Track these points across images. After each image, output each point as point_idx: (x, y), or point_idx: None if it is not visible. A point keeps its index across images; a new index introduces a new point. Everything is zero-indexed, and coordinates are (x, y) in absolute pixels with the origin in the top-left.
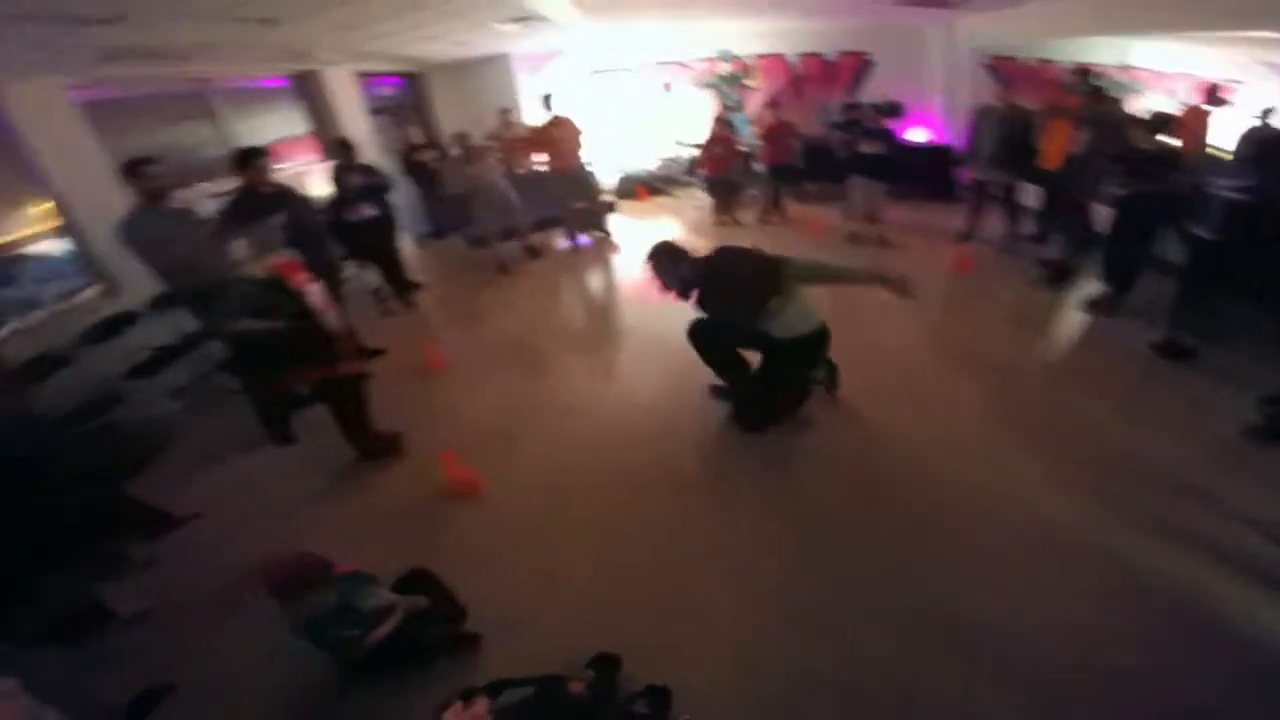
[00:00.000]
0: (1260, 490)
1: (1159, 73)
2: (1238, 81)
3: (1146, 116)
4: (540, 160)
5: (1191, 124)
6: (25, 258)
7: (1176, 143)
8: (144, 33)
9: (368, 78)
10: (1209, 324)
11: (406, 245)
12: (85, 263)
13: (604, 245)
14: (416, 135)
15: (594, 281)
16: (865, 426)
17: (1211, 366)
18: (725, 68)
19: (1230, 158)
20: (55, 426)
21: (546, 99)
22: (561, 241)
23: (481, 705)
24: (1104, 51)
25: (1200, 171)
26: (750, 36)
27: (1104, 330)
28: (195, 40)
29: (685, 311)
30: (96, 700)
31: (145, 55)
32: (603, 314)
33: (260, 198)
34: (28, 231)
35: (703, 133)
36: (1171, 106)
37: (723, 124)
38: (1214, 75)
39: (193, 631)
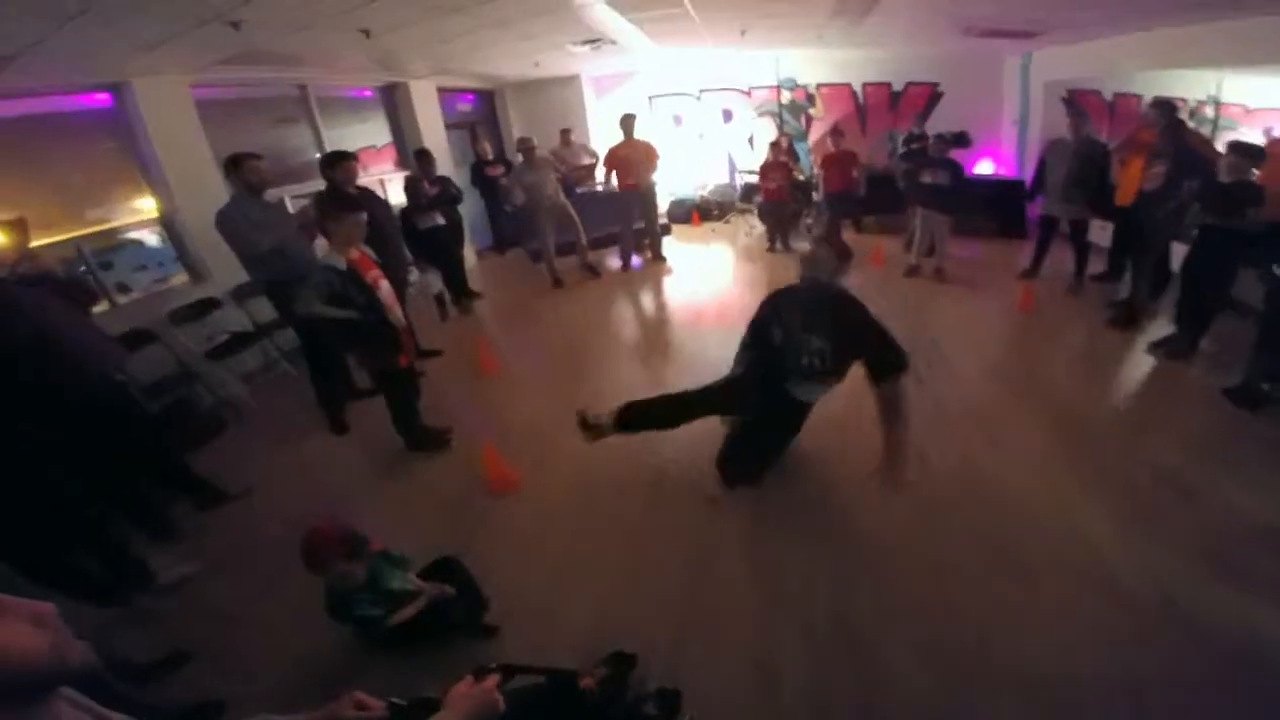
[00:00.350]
0: None
1: (1250, 110)
2: None
3: (1233, 147)
4: (606, 179)
5: (1277, 158)
6: (126, 243)
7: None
8: (262, 36)
9: (447, 93)
10: None
11: (469, 256)
12: (180, 251)
13: (657, 267)
14: (486, 150)
15: (644, 300)
16: (919, 455)
17: None
18: (788, 96)
19: None
20: (137, 394)
21: (627, 119)
22: (617, 260)
23: (491, 680)
24: (1191, 86)
25: None
26: (815, 65)
27: (1174, 375)
28: (303, 46)
29: (727, 336)
30: (119, 657)
31: (259, 59)
32: (649, 332)
33: (345, 198)
34: (131, 220)
35: (760, 159)
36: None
37: (780, 151)
38: None
39: (228, 600)
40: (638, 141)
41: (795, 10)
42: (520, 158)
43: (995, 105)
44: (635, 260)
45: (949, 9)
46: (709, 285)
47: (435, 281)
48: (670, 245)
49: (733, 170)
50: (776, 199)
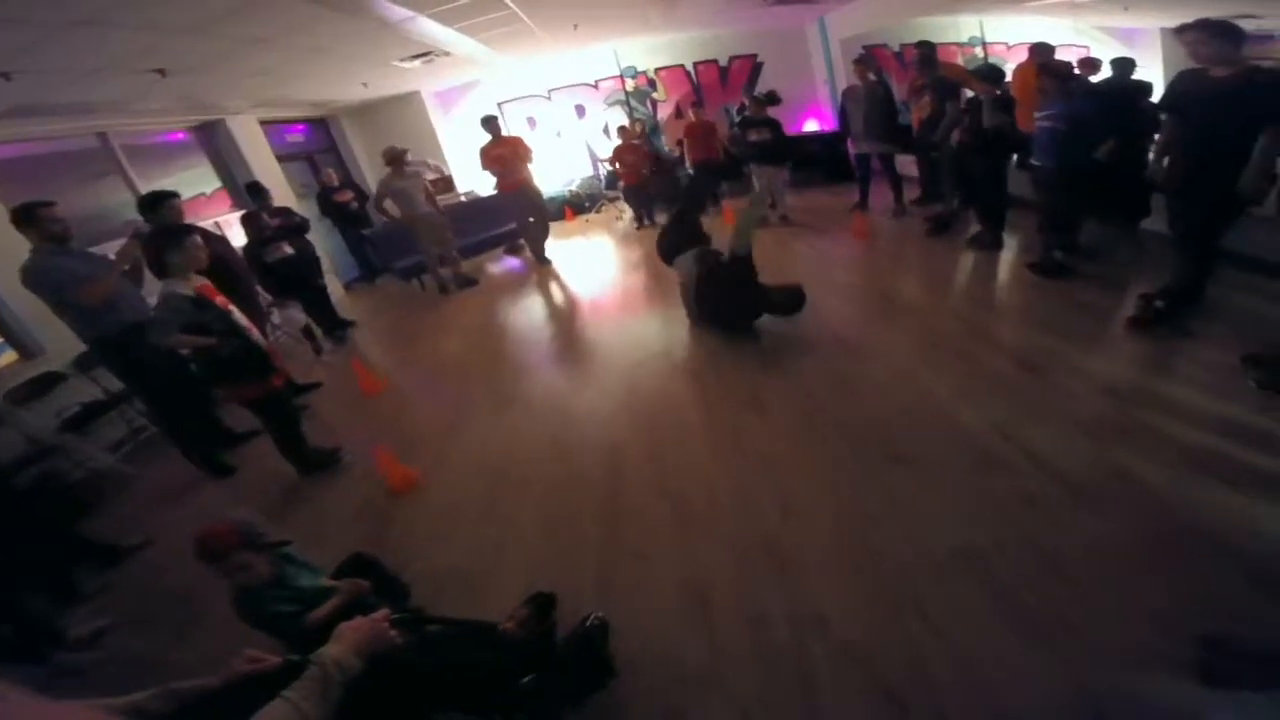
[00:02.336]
0: (1142, 368)
1: (1011, 46)
2: (1082, 46)
3: (973, 73)
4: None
5: (1021, 78)
6: None
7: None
8: (40, 87)
9: (273, 125)
10: (1072, 242)
11: (335, 288)
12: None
13: (539, 267)
14: (332, 177)
15: (533, 298)
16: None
17: (1086, 277)
18: (631, 83)
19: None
20: None
21: (488, 120)
22: (495, 266)
23: (382, 613)
24: (960, 30)
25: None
26: (651, 51)
27: (990, 262)
28: (92, 93)
29: (622, 331)
30: None
31: (43, 110)
32: (545, 327)
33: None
34: None
35: (613, 146)
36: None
37: (630, 135)
38: (1059, 43)
39: (144, 649)
40: (507, 138)
41: None
42: (389, 169)
43: (807, 68)
44: (516, 262)
45: None
46: (594, 273)
47: (299, 315)
48: (549, 244)
49: (595, 162)
50: (636, 181)
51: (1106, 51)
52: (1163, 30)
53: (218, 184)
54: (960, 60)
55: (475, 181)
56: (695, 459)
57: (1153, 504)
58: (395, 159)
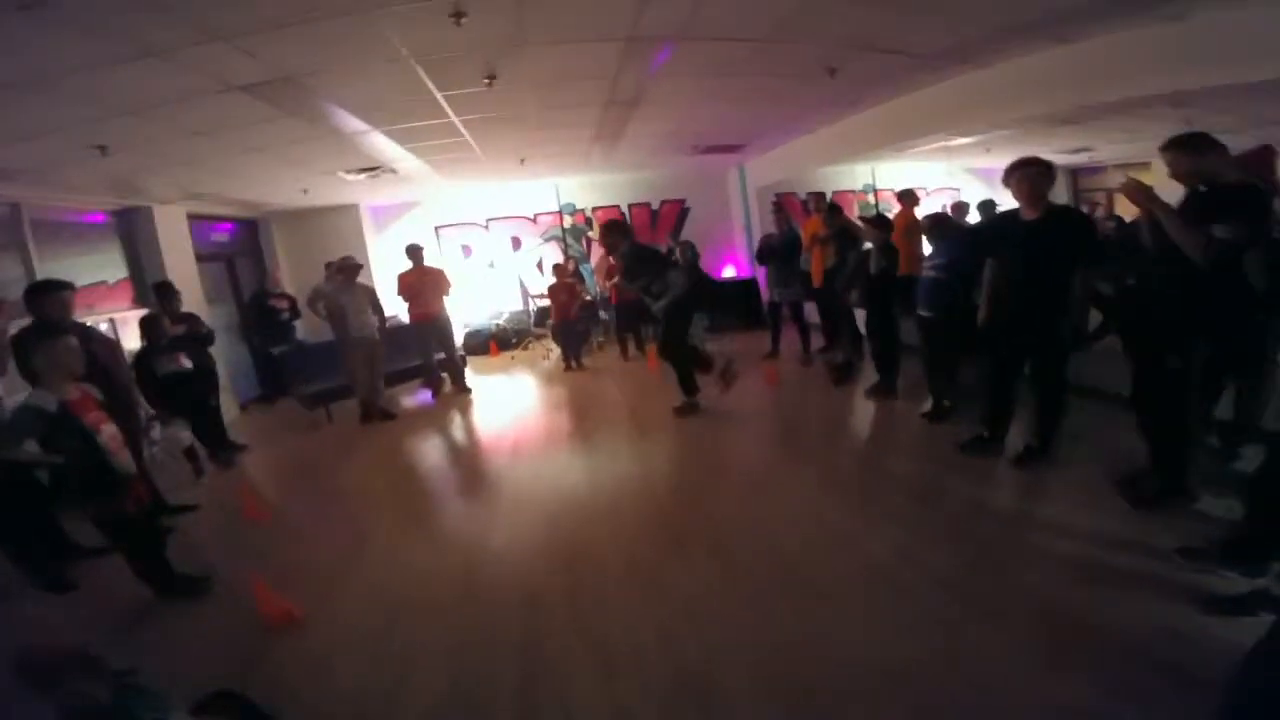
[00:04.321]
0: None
1: (897, 191)
2: (954, 188)
3: (863, 219)
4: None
5: (902, 225)
6: None
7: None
8: None
9: (199, 220)
10: (952, 386)
11: (229, 407)
12: None
13: (460, 398)
14: (278, 281)
15: (448, 434)
16: (707, 514)
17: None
18: (569, 220)
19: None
20: None
21: (414, 248)
22: (419, 395)
23: None
24: (855, 178)
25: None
26: (589, 190)
27: (886, 410)
28: (18, 161)
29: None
30: None
31: None
32: (456, 465)
33: (51, 326)
34: None
35: (547, 283)
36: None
37: (565, 273)
38: (933, 184)
39: None
40: (428, 268)
41: (563, 137)
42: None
43: (727, 214)
44: (427, 395)
45: (673, 129)
46: (514, 411)
47: (184, 434)
48: (470, 378)
49: (526, 296)
50: (566, 319)
51: (974, 191)
52: None
53: (123, 274)
54: (855, 206)
55: (400, 307)
56: (616, 602)
57: (1050, 611)
58: (348, 270)
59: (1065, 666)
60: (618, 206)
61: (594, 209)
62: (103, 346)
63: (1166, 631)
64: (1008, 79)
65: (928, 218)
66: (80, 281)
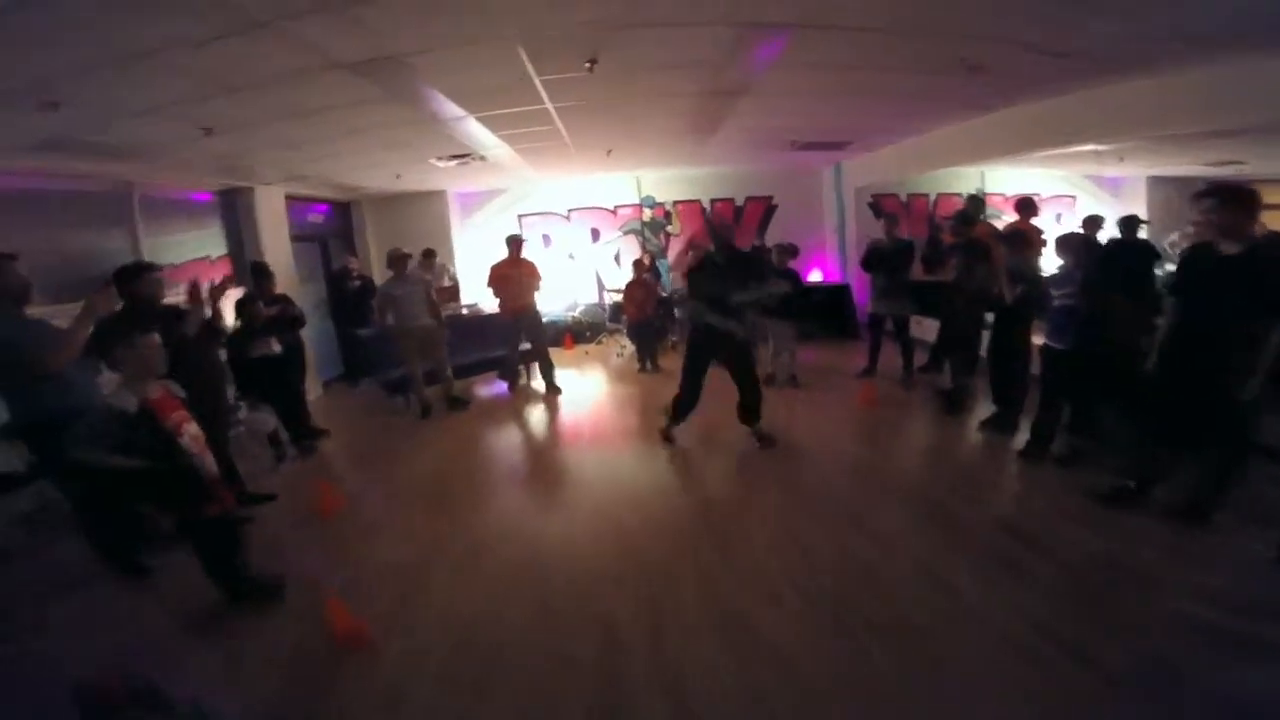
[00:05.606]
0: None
1: (1008, 197)
2: (1070, 196)
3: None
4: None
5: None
6: None
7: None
8: (82, 123)
9: (296, 201)
10: (1088, 429)
11: (313, 388)
12: None
13: (548, 397)
14: (355, 265)
15: (519, 430)
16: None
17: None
18: (648, 213)
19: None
20: None
21: (514, 240)
22: (488, 389)
23: None
24: (964, 182)
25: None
26: (671, 184)
27: (1004, 448)
28: (132, 140)
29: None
30: None
31: (76, 149)
32: (526, 462)
33: (146, 319)
34: None
35: (625, 279)
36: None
37: (643, 269)
38: (1048, 192)
39: None
40: (523, 261)
41: (657, 127)
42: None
43: (818, 214)
44: (503, 387)
45: (774, 124)
46: (586, 411)
47: (268, 419)
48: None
49: (601, 290)
50: (641, 318)
51: (1092, 202)
52: (1149, 178)
53: (224, 250)
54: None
55: (482, 295)
56: (698, 646)
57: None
58: (398, 262)
59: None
60: (699, 201)
61: (674, 203)
62: (197, 336)
63: None
64: (1176, 89)
65: (1066, 237)
66: (182, 257)
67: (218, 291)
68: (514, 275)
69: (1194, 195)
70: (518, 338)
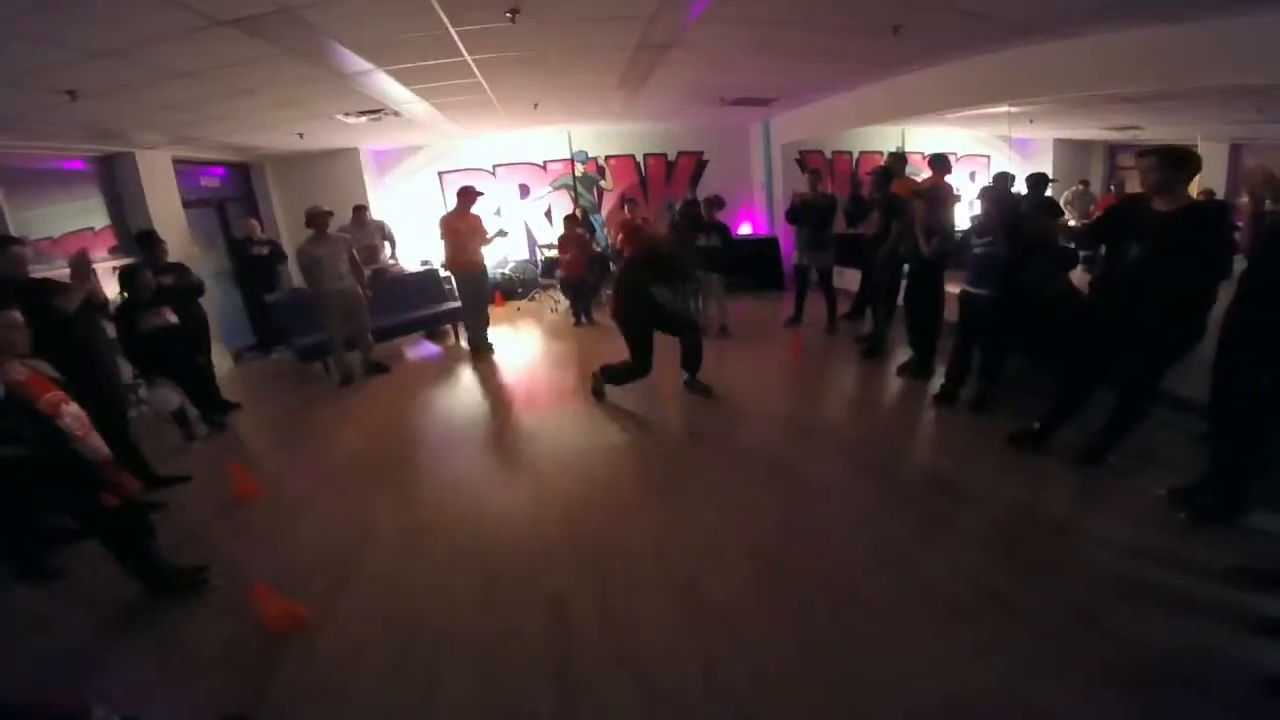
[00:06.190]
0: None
1: (925, 156)
2: (984, 155)
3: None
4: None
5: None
6: None
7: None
8: None
9: (187, 165)
10: (998, 372)
11: (222, 359)
12: None
13: (475, 355)
14: (255, 228)
15: (449, 392)
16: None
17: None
18: (580, 169)
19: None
20: None
21: (465, 191)
22: (413, 351)
23: None
24: (885, 140)
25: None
26: (603, 139)
27: (922, 392)
28: None
29: (557, 444)
30: None
31: None
32: (457, 427)
33: (12, 295)
34: None
35: (557, 234)
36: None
37: (576, 224)
38: (963, 151)
39: None
40: (472, 215)
41: (585, 81)
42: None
43: (747, 169)
44: (435, 349)
45: (704, 79)
46: (520, 367)
47: (171, 396)
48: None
49: (533, 246)
50: (575, 272)
51: (1005, 160)
52: (1055, 141)
53: (107, 221)
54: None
55: (403, 254)
56: (652, 616)
57: (1107, 638)
58: (318, 218)
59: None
60: (632, 156)
61: (607, 158)
62: (74, 311)
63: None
64: (1095, 51)
65: (988, 189)
66: (61, 230)
67: (81, 262)
68: (463, 229)
69: (1137, 154)
70: (471, 295)
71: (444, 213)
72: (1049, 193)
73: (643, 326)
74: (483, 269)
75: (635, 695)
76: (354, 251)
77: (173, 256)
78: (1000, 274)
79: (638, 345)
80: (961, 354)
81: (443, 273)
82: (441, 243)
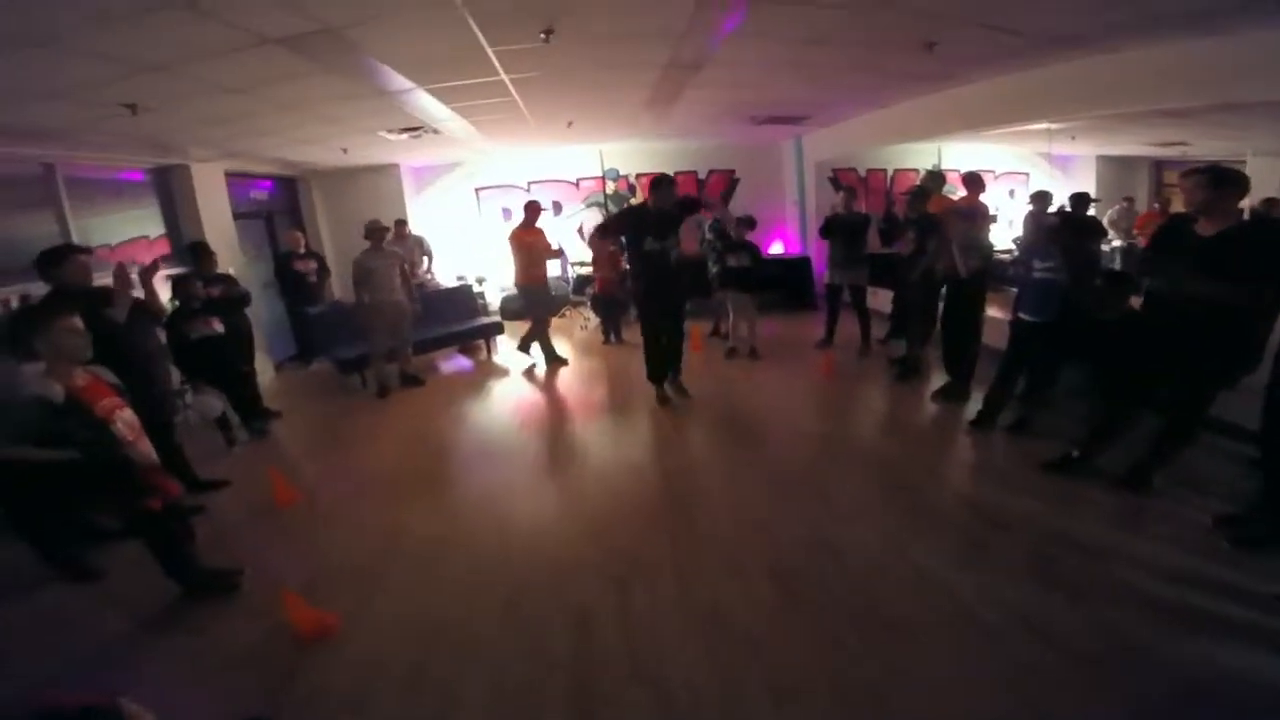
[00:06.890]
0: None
1: (961, 174)
2: (1024, 172)
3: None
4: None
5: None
6: None
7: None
8: None
9: (237, 178)
10: (1044, 399)
11: (265, 368)
12: None
13: (494, 367)
14: (299, 241)
15: (479, 406)
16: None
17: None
18: (612, 186)
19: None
20: None
21: (532, 206)
22: (447, 365)
23: None
24: (920, 158)
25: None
26: (634, 156)
27: (959, 416)
28: (49, 118)
29: (587, 463)
30: None
31: None
32: (489, 439)
33: (70, 303)
34: None
35: (590, 252)
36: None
37: (607, 242)
38: (1001, 168)
39: None
40: (538, 229)
41: (616, 99)
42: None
43: (779, 188)
44: (467, 362)
45: (735, 97)
46: (550, 384)
47: (215, 403)
48: (506, 344)
49: (565, 263)
50: (608, 291)
51: (1044, 178)
52: (1099, 157)
53: (163, 230)
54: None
55: (438, 269)
56: (673, 636)
57: (1146, 665)
58: (376, 233)
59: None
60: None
61: (638, 175)
62: (129, 318)
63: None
64: (1140, 65)
65: (1057, 215)
66: (118, 238)
67: (148, 272)
68: (534, 243)
69: (1181, 174)
70: (539, 308)
71: (516, 227)
72: (1091, 211)
73: (646, 316)
74: (547, 283)
75: (654, 713)
76: (405, 266)
77: (221, 267)
78: (1061, 300)
79: (646, 338)
80: (1004, 380)
81: (477, 287)
82: (512, 258)
